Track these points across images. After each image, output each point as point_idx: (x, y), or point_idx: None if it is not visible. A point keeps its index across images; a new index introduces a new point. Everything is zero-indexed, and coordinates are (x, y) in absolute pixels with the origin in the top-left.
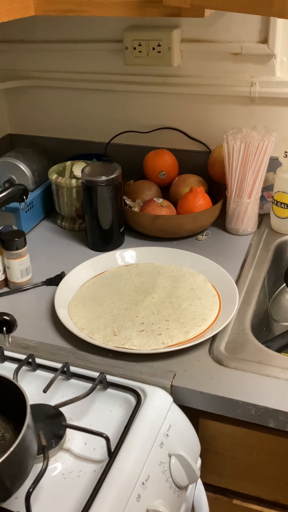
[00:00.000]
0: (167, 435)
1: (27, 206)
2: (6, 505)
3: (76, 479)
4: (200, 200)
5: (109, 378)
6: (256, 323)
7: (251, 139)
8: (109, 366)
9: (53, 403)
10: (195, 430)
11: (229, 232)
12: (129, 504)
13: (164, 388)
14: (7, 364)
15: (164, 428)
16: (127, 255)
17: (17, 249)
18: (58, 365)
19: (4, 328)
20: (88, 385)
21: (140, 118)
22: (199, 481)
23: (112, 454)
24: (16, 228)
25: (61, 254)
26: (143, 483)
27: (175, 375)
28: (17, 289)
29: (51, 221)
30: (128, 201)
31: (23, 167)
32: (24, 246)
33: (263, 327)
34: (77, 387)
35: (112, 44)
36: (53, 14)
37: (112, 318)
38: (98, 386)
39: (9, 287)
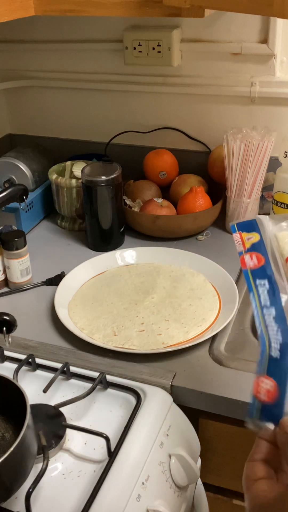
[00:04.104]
0: (167, 435)
1: (27, 206)
2: (6, 505)
3: (76, 479)
4: (200, 200)
5: (109, 378)
6: None
7: (251, 139)
8: (109, 366)
9: (53, 403)
10: (195, 430)
11: (229, 232)
12: (129, 504)
13: (164, 388)
14: (7, 364)
15: (164, 428)
16: (127, 255)
17: (17, 249)
18: (58, 365)
19: (4, 328)
20: (88, 385)
21: (140, 118)
22: (199, 481)
23: (112, 454)
24: (16, 228)
25: (61, 254)
26: (143, 483)
27: (175, 375)
28: (17, 289)
29: (51, 221)
30: (128, 201)
31: (23, 167)
32: (24, 246)
33: None
34: (77, 387)
35: (112, 44)
36: (53, 14)
37: (112, 318)
38: (98, 386)
39: (9, 287)
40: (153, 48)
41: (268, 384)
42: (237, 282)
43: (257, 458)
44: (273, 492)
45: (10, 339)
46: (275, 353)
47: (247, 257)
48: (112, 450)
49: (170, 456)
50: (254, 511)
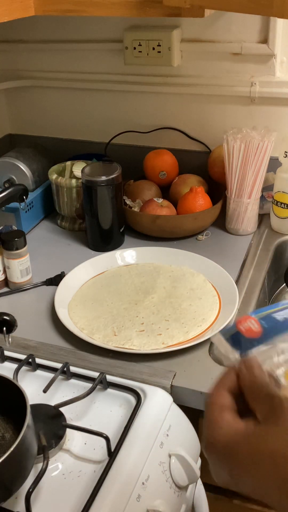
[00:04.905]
0: (167, 435)
1: (27, 206)
2: (6, 505)
3: (76, 479)
4: (200, 200)
5: (109, 378)
6: None
7: (251, 139)
8: (109, 366)
9: (53, 403)
10: (195, 430)
11: (229, 232)
12: (129, 504)
13: (164, 388)
14: (7, 364)
15: (164, 428)
16: (127, 255)
17: (17, 249)
18: (58, 365)
19: (4, 328)
20: (88, 385)
21: (140, 118)
22: (199, 481)
23: (112, 454)
24: (16, 228)
25: (61, 254)
26: (143, 483)
27: (175, 375)
28: (17, 289)
29: (51, 221)
30: (128, 201)
31: (23, 167)
32: (24, 246)
33: None
34: (77, 387)
35: (112, 44)
36: (53, 14)
37: (112, 318)
38: (98, 386)
39: (9, 287)
40: (153, 48)
41: (254, 326)
42: (237, 282)
43: (225, 385)
44: (238, 428)
45: (10, 339)
46: (281, 317)
47: None
48: (112, 450)
49: (170, 456)
50: (215, 444)
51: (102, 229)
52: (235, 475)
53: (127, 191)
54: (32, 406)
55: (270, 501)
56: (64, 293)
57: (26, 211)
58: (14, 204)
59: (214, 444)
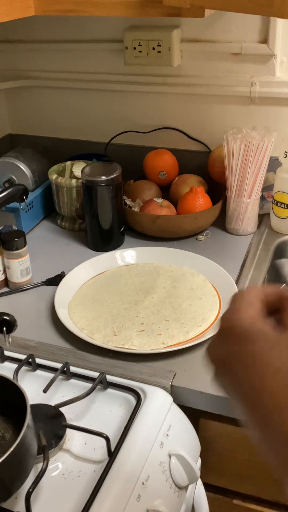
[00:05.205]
0: (167, 435)
1: (27, 206)
2: (6, 505)
3: (76, 479)
4: (200, 200)
5: (109, 378)
6: None
7: (251, 139)
8: (109, 366)
9: (53, 403)
10: (195, 430)
11: (229, 232)
12: (129, 504)
13: (164, 388)
14: (7, 364)
15: (164, 428)
16: (127, 255)
17: (17, 249)
18: (58, 365)
19: (4, 328)
20: (88, 385)
21: (140, 118)
22: (199, 481)
23: (112, 454)
24: (16, 228)
25: (61, 254)
26: (143, 483)
27: (175, 375)
28: (17, 289)
29: (51, 221)
30: (128, 201)
31: (23, 167)
32: (24, 246)
33: None
34: (77, 387)
35: (112, 44)
36: (53, 14)
37: (112, 318)
38: (98, 386)
39: (9, 287)
40: (153, 48)
41: None
42: (237, 282)
43: (262, 294)
44: (263, 326)
45: (10, 339)
46: None
47: None
48: (112, 450)
49: (170, 456)
50: (235, 324)
51: (102, 229)
52: (238, 365)
53: (127, 191)
54: (32, 406)
55: (249, 416)
56: (64, 293)
57: (26, 211)
58: (14, 204)
59: (233, 324)
